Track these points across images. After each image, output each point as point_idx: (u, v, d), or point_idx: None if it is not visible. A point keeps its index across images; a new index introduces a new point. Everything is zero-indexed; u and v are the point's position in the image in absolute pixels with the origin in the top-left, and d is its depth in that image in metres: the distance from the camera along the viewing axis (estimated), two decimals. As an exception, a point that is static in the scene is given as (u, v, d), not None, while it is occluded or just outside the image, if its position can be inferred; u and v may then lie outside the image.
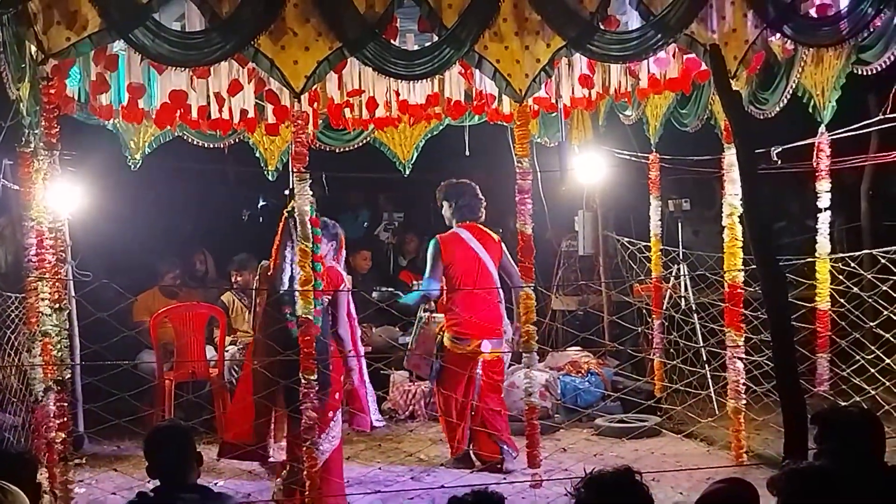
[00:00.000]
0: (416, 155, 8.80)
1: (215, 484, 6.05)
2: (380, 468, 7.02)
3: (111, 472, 6.63)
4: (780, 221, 10.33)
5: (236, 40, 5.42)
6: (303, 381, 5.61)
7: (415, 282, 8.87)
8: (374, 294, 7.33)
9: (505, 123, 8.05)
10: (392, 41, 5.84)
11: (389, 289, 7.85)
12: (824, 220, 6.95)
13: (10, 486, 3.58)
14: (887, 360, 6.76)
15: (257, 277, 6.25)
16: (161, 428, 4.66)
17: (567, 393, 8.26)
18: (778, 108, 6.78)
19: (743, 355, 6.65)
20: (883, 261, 6.80)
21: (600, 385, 8.38)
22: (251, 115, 7.43)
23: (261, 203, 12.56)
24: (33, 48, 5.35)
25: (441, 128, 8.64)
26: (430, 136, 8.76)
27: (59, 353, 5.73)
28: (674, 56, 6.90)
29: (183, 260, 9.32)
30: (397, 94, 7.76)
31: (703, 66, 6.50)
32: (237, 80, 6.90)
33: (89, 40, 5.31)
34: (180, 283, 9.05)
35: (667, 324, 8.30)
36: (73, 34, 5.27)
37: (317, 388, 5.56)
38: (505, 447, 6.84)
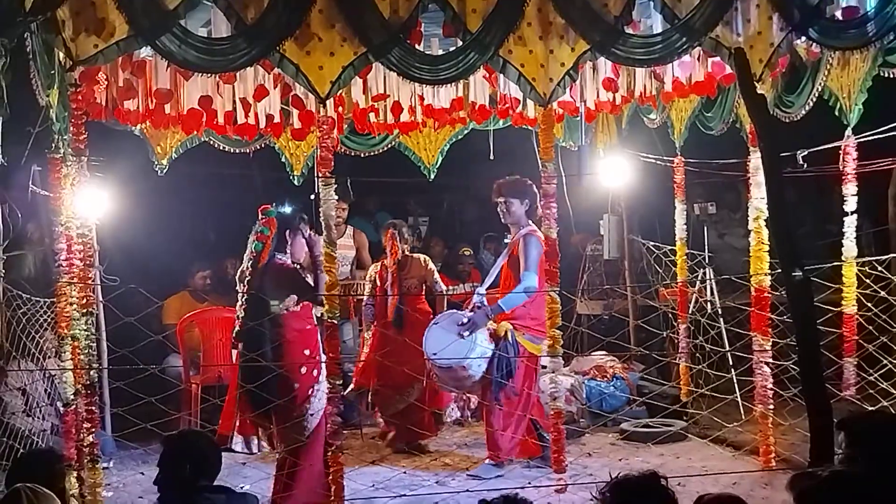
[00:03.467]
0: (440, 159, 8.82)
1: (241, 487, 6.07)
2: (405, 471, 7.03)
3: (138, 476, 6.68)
4: (801, 226, 10.25)
5: (262, 46, 5.46)
6: (328, 384, 5.72)
7: (451, 287, 8.78)
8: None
9: (529, 127, 8.06)
10: (416, 46, 5.85)
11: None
12: (851, 223, 6.91)
13: (42, 488, 3.62)
14: (915, 365, 6.72)
15: None
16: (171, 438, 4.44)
17: (592, 397, 8.23)
18: (804, 112, 6.75)
19: (770, 359, 6.62)
20: (911, 264, 6.76)
21: (626, 389, 8.35)
22: (277, 120, 7.46)
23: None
24: (62, 55, 5.41)
25: (465, 132, 8.66)
26: (454, 140, 8.78)
27: (87, 357, 5.79)
28: (699, 59, 6.89)
29: (213, 264, 9.34)
30: (422, 98, 7.77)
31: (728, 70, 6.49)
32: (263, 85, 6.93)
33: (117, 47, 5.36)
34: (210, 284, 9.06)
35: (692, 328, 8.27)
36: (100, 41, 5.32)
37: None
38: (545, 434, 6.79)
